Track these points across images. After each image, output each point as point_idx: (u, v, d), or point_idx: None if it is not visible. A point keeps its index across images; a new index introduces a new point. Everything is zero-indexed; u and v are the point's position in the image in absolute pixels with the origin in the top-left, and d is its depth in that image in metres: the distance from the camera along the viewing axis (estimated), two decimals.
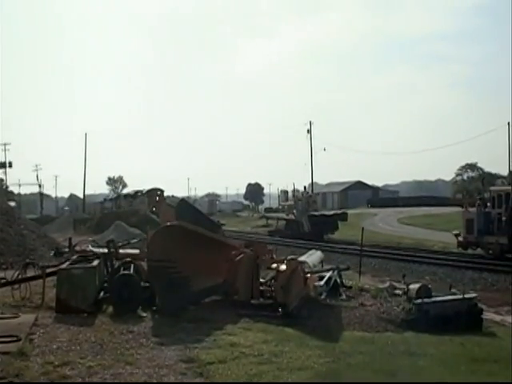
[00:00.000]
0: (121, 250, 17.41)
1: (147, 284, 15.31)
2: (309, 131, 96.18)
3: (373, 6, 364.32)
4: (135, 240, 22.26)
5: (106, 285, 15.87)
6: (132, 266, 16.08)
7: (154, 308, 14.77)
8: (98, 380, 9.30)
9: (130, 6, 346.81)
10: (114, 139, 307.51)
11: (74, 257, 17.12)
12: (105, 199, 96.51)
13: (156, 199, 61.57)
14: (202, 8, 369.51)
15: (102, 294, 15.59)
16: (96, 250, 17.98)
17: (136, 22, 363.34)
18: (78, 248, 18.87)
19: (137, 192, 69.08)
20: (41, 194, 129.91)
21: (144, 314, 14.38)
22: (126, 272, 15.58)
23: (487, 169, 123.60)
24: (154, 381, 9.39)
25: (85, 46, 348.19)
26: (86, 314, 14.13)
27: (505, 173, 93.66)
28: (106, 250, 16.74)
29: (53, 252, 20.68)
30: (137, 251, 17.68)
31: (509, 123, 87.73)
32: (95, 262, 15.89)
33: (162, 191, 65.53)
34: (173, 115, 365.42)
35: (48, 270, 16.43)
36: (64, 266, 15.92)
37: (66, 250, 19.37)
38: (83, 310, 14.23)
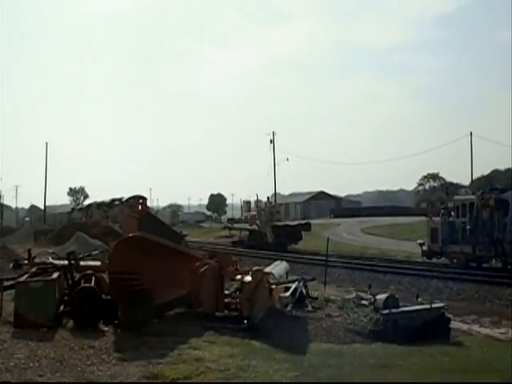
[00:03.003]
0: (82, 262, 16.99)
1: (109, 297, 14.89)
2: (272, 141, 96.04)
3: (335, 17, 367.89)
4: (96, 252, 21.77)
5: (66, 298, 15.43)
6: (93, 278, 15.68)
7: (116, 322, 14.36)
8: None
9: (91, 15, 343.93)
10: (75, 150, 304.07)
11: (34, 269, 16.63)
12: (72, 209, 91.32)
13: (138, 208, 55.71)
14: (164, 19, 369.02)
15: (62, 307, 15.15)
16: (56, 261, 17.50)
17: (99, 31, 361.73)
18: (37, 260, 18.34)
19: (113, 200, 64.69)
20: (0, 205, 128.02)
21: (106, 329, 14.00)
22: (86, 285, 15.17)
23: (449, 179, 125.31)
24: None
25: (46, 54, 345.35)
26: (46, 328, 13.66)
27: (466, 183, 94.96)
28: (66, 262, 16.29)
29: (12, 264, 20.10)
30: (98, 263, 17.26)
31: (471, 133, 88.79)
32: (55, 275, 15.43)
33: (144, 199, 60.88)
34: (135, 125, 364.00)
35: (6, 283, 15.93)
36: (23, 278, 15.44)
37: (26, 261, 18.83)
38: (42, 325, 13.77)
